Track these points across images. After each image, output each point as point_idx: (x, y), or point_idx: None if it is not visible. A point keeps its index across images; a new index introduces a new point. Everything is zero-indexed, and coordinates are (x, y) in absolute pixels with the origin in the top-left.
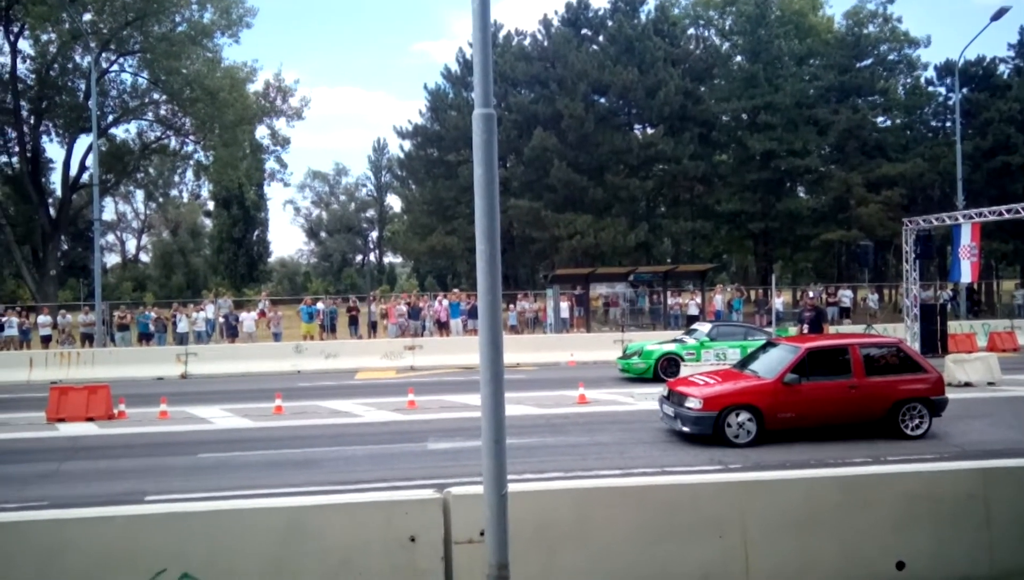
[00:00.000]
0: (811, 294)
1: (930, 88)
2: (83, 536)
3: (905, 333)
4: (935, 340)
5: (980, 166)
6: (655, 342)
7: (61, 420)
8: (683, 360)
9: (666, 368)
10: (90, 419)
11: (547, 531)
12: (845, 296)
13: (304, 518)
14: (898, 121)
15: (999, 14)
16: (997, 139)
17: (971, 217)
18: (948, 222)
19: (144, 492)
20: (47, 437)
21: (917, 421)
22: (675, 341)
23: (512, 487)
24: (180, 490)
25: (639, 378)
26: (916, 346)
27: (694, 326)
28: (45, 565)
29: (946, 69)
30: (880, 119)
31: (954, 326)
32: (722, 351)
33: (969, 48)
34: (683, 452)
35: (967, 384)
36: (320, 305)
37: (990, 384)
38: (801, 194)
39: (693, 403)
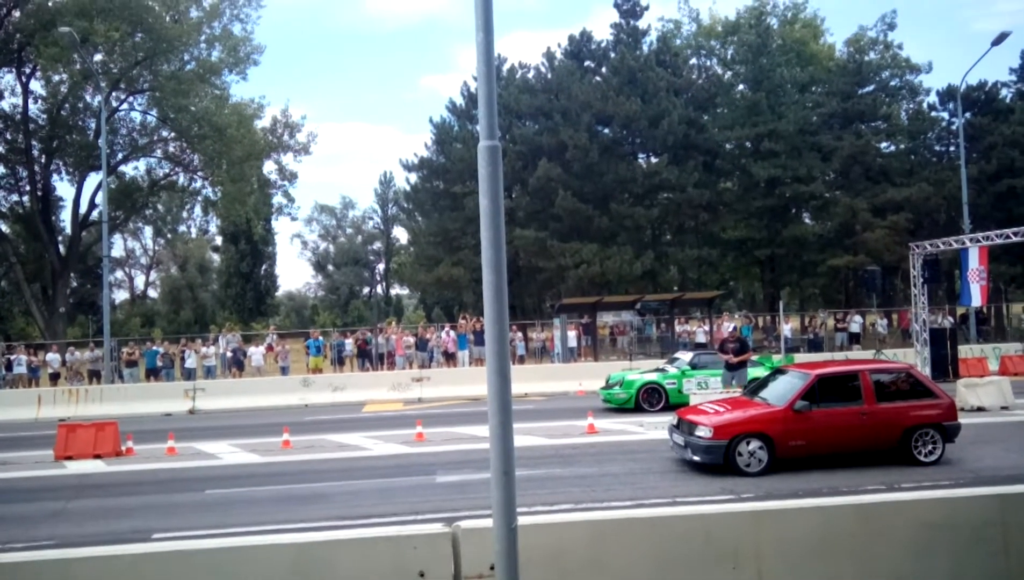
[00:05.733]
0: (733, 326)
1: (933, 113)
2: (89, 575)
3: (915, 358)
4: (946, 364)
5: (985, 189)
6: (637, 372)
7: (69, 458)
8: (664, 389)
9: (648, 398)
10: (98, 456)
11: (559, 564)
12: (855, 322)
13: (312, 553)
14: (902, 146)
15: (1000, 39)
16: (1001, 163)
17: (978, 241)
18: (955, 246)
19: (151, 530)
20: (55, 475)
21: (930, 447)
22: (657, 370)
23: (522, 520)
24: (187, 527)
25: (621, 408)
26: (927, 371)
27: (676, 355)
28: None
29: (948, 94)
30: (884, 144)
31: (964, 350)
32: (704, 379)
33: (971, 73)
34: (694, 482)
35: (980, 409)
36: (320, 338)
37: (1003, 408)
38: (806, 220)
39: (703, 432)
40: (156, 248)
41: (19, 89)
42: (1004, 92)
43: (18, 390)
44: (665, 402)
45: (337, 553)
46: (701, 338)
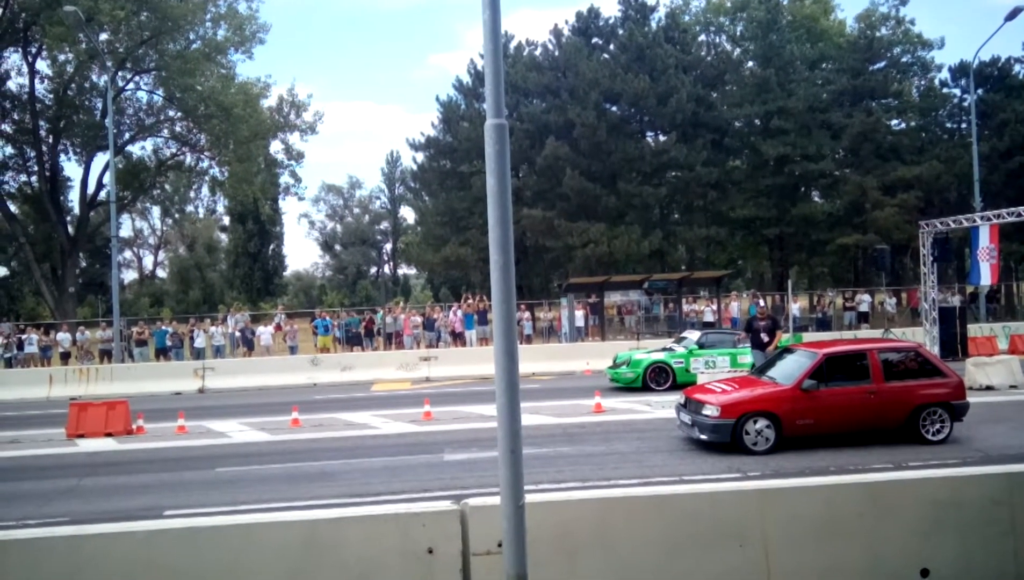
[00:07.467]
0: (761, 303)
1: (945, 90)
2: (102, 552)
3: (924, 337)
4: (955, 343)
5: (997, 167)
6: (644, 351)
7: (81, 436)
8: (672, 369)
9: (655, 377)
10: (109, 435)
11: (566, 541)
12: (863, 301)
13: (321, 531)
14: (913, 123)
15: (1013, 14)
16: (1014, 140)
17: (989, 219)
18: (965, 224)
19: (162, 507)
20: (67, 453)
21: (938, 426)
22: (664, 350)
23: (530, 497)
24: (198, 505)
25: (628, 387)
26: (936, 350)
27: (684, 334)
28: None
29: (960, 70)
30: (894, 122)
31: (974, 329)
32: (711, 359)
33: (983, 49)
34: (701, 460)
35: (988, 388)
36: (328, 318)
37: (1012, 387)
38: (816, 199)
39: (710, 411)
40: (164, 228)
41: (25, 69)
42: (1017, 68)
43: (30, 369)
44: (672, 381)
45: (346, 530)
46: (709, 317)
